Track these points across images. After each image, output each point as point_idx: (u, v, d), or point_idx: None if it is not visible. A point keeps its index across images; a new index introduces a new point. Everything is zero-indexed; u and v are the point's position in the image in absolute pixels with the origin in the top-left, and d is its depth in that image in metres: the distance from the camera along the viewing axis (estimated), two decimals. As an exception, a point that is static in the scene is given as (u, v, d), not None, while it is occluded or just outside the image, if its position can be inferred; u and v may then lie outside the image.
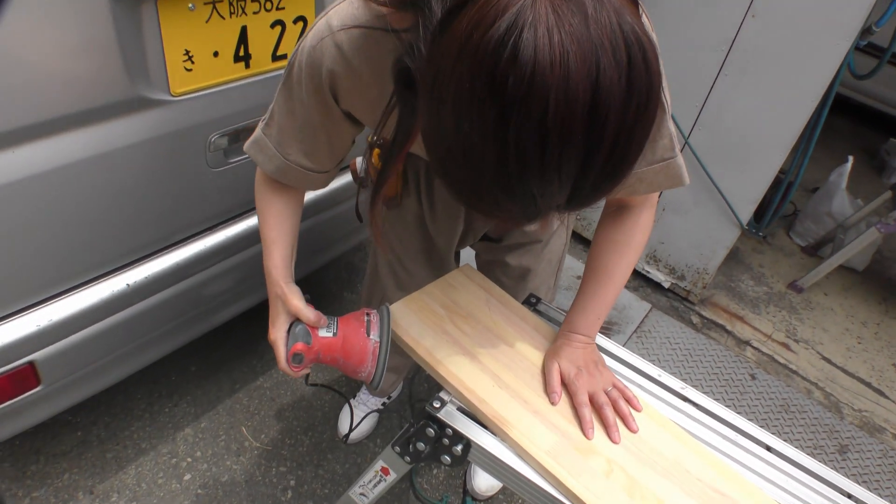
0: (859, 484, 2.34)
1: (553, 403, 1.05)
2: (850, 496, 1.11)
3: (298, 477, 1.82)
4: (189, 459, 1.79)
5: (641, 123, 0.59)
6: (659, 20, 2.39)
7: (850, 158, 3.38)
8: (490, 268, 1.47)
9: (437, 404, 1.00)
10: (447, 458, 1.02)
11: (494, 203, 0.63)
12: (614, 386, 1.09)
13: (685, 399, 1.18)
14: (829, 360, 2.88)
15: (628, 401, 1.08)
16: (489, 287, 1.23)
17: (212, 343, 2.09)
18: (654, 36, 0.86)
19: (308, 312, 1.03)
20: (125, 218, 1.33)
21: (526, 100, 0.53)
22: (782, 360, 2.80)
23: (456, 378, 1.03)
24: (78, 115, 1.15)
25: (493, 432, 1.00)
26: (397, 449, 1.08)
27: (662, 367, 2.47)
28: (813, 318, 3.10)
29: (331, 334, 1.02)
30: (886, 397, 2.77)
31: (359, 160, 1.38)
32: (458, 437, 0.99)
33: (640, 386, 1.18)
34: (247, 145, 1.07)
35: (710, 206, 2.65)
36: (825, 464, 2.36)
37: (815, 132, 2.68)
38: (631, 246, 1.10)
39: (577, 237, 3.17)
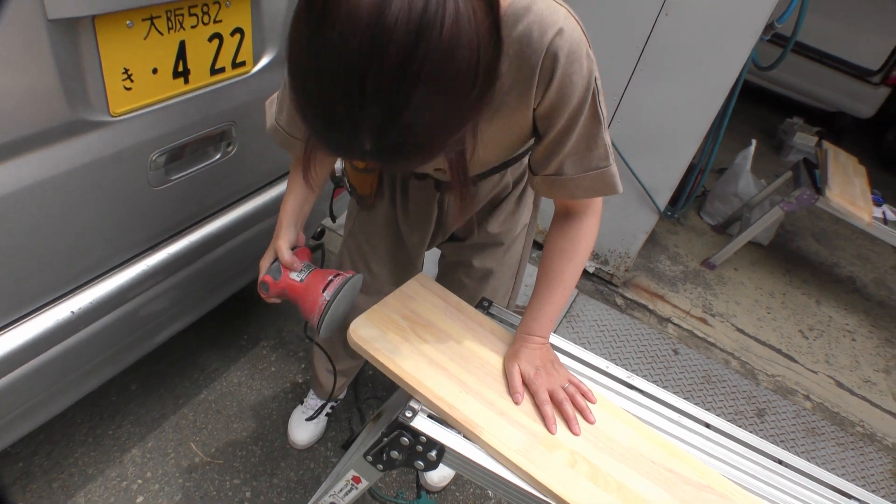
0: (777, 443, 2.53)
1: (516, 403, 1.11)
2: (780, 461, 1.23)
3: (253, 488, 1.82)
4: (140, 481, 1.76)
5: (432, 82, 0.65)
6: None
7: (754, 142, 3.62)
8: (454, 269, 1.53)
9: (409, 413, 1.04)
10: (421, 464, 1.06)
11: (318, 128, 0.72)
12: (570, 382, 1.16)
13: (632, 387, 1.27)
14: (742, 331, 3.09)
15: (584, 395, 1.16)
16: (445, 295, 1.28)
17: (150, 359, 2.04)
18: (569, 41, 0.90)
19: (286, 254, 1.20)
20: (66, 244, 1.29)
21: (326, 18, 0.64)
22: (701, 334, 2.99)
23: (425, 387, 1.07)
24: (14, 144, 1.10)
25: (464, 436, 1.05)
26: (370, 458, 1.11)
27: (592, 349, 2.60)
28: (726, 293, 3.31)
29: (299, 279, 1.19)
30: (796, 361, 3.01)
31: (338, 162, 1.48)
32: (431, 443, 1.03)
33: (591, 378, 1.26)
34: (268, 101, 1.26)
35: (630, 194, 2.79)
36: (745, 427, 2.56)
37: (724, 121, 2.86)
38: (577, 252, 1.18)
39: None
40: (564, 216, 1.19)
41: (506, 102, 0.99)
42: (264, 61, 1.54)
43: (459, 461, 1.04)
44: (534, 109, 1.01)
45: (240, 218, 1.69)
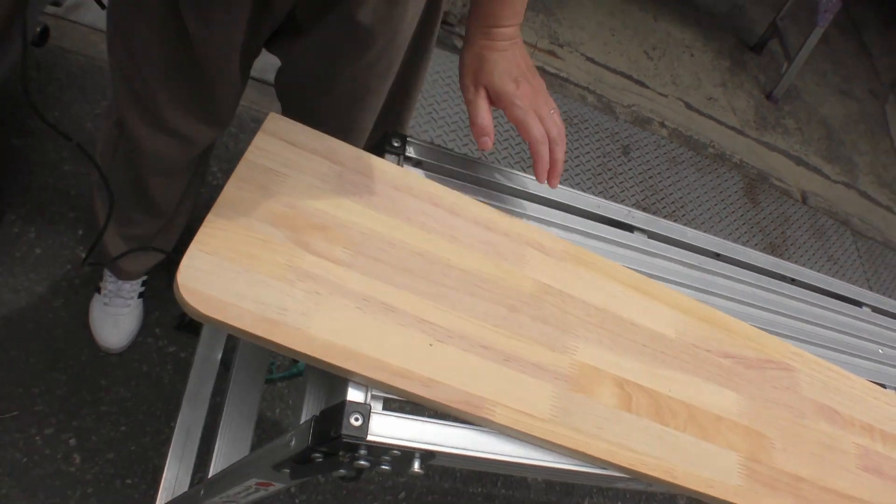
0: (646, 179, 2.40)
1: (485, 148, 0.73)
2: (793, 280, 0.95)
3: (77, 429, 1.29)
4: None
5: None
6: None
7: None
8: (301, 92, 0.93)
9: (356, 420, 0.56)
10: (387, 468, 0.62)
11: None
12: (555, 109, 0.78)
13: (632, 228, 0.87)
14: (592, 60, 2.82)
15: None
16: (332, 149, 0.71)
17: None
18: None
19: None
20: None
21: None
22: (553, 70, 2.66)
23: (370, 360, 0.58)
24: None
25: (454, 420, 0.61)
26: (287, 471, 0.65)
27: (446, 103, 2.22)
28: (569, 18, 2.94)
29: None
30: (647, 87, 2.86)
31: None
32: (408, 454, 0.58)
33: (583, 231, 0.83)
34: None
35: None
36: (614, 166, 2.42)
37: None
38: None
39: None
40: None
41: None
42: None
43: (458, 460, 0.61)
44: None
45: None
